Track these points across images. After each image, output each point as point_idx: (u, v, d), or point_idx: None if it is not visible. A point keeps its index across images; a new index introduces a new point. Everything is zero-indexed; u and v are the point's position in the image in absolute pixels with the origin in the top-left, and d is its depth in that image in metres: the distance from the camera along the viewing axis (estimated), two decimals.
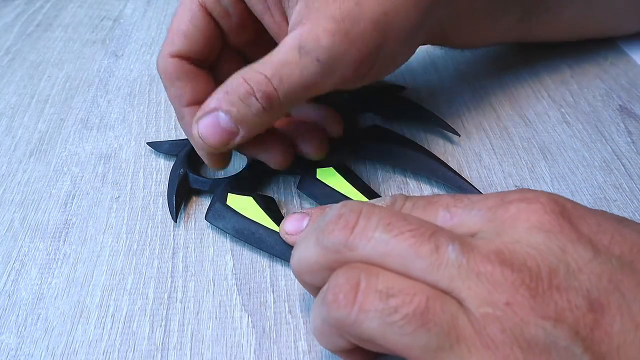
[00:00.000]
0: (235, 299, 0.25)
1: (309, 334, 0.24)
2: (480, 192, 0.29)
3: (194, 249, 0.28)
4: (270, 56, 0.25)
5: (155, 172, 0.32)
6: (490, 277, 0.17)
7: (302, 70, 0.24)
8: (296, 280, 0.26)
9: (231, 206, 0.28)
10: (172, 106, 0.29)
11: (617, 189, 0.30)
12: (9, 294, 0.26)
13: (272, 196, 0.30)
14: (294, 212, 0.26)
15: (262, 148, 0.28)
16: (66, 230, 0.29)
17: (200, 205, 0.30)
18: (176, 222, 0.29)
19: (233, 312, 0.25)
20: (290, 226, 0.25)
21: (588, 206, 0.20)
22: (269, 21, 0.27)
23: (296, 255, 0.20)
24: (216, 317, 0.25)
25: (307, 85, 0.25)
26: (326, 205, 0.25)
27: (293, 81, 0.24)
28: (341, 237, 0.18)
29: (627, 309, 0.16)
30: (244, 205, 0.28)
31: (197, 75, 0.28)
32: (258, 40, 0.30)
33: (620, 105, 0.37)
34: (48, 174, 0.32)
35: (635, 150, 0.33)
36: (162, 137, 0.35)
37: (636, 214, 0.29)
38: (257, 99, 0.24)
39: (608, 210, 0.29)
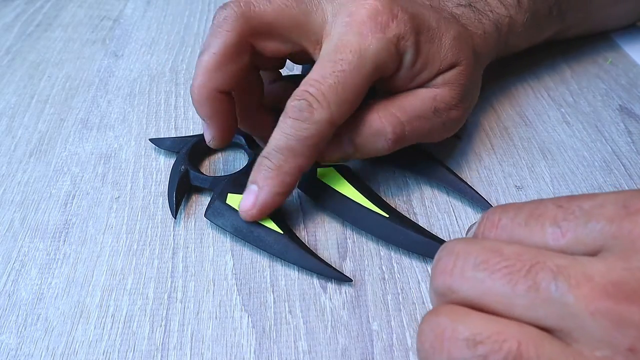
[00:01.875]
0: (235, 299, 0.25)
1: (309, 334, 0.24)
2: (482, 196, 0.29)
3: (194, 249, 0.28)
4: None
5: (155, 172, 0.32)
6: (609, 314, 0.14)
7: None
8: (296, 280, 0.26)
9: (230, 204, 0.28)
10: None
11: (617, 189, 0.30)
12: (9, 294, 0.26)
13: None
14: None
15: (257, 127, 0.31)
16: (66, 230, 0.29)
17: (200, 205, 0.30)
18: (176, 218, 0.29)
19: (233, 312, 0.25)
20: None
21: None
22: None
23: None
24: (216, 317, 0.25)
25: None
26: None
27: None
28: (443, 281, 0.18)
29: None
30: None
31: None
32: None
33: (620, 105, 0.37)
34: (48, 174, 0.32)
35: (635, 150, 0.33)
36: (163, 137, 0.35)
37: None
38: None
39: None
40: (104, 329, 0.24)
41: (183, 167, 0.30)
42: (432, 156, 0.31)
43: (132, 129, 0.36)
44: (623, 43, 0.43)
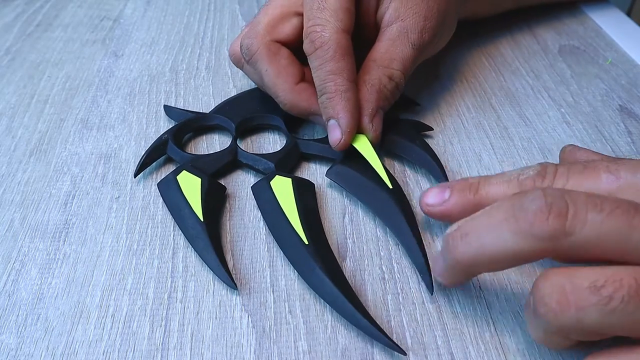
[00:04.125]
0: (235, 299, 0.25)
1: (309, 334, 0.24)
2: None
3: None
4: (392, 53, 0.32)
5: (155, 172, 0.32)
6: None
7: (416, 61, 0.33)
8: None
9: (179, 181, 0.29)
10: (326, 83, 0.29)
11: None
12: (9, 294, 0.26)
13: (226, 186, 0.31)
14: (432, 187, 0.27)
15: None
16: (66, 230, 0.29)
17: None
18: (135, 177, 0.31)
19: (233, 312, 0.25)
20: (432, 199, 0.26)
21: None
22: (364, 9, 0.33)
23: (478, 248, 0.21)
24: (216, 317, 0.25)
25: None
26: (466, 178, 0.26)
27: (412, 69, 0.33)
28: (558, 225, 0.19)
29: None
30: (190, 184, 0.29)
31: None
32: None
33: (620, 105, 0.37)
34: (48, 174, 0.32)
35: (635, 150, 0.33)
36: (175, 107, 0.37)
37: None
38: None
39: None
40: (104, 329, 0.24)
41: (166, 135, 0.32)
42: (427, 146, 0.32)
43: (132, 129, 0.36)
44: (623, 43, 0.43)
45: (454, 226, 0.22)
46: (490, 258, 0.21)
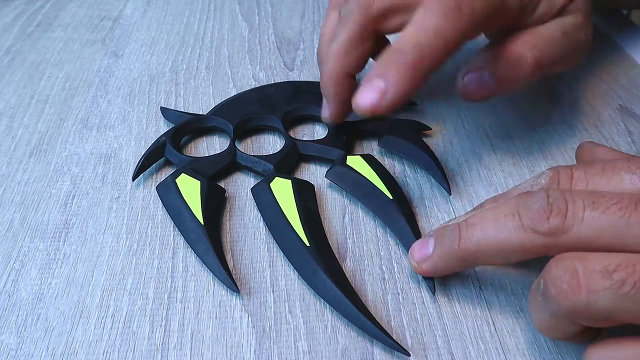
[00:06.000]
0: (235, 299, 0.25)
1: (309, 334, 0.24)
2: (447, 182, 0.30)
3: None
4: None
5: (155, 172, 0.32)
6: None
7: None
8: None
9: (178, 184, 0.29)
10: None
11: None
12: (9, 294, 0.26)
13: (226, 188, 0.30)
14: (417, 241, 0.25)
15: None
16: (66, 230, 0.29)
17: None
18: (133, 181, 0.31)
19: (233, 312, 0.25)
20: (417, 255, 0.25)
21: None
22: None
23: (482, 237, 0.22)
24: (216, 317, 0.25)
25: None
26: (447, 223, 0.24)
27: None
28: (557, 222, 0.20)
29: None
30: (189, 186, 0.29)
31: None
32: None
33: (620, 105, 0.37)
34: (48, 174, 0.32)
35: (635, 150, 0.33)
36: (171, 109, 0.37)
37: None
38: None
39: None
40: (104, 329, 0.24)
41: (163, 138, 0.32)
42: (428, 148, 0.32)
43: (132, 129, 0.36)
44: (623, 43, 0.43)
45: (461, 217, 0.23)
46: (492, 248, 0.22)
